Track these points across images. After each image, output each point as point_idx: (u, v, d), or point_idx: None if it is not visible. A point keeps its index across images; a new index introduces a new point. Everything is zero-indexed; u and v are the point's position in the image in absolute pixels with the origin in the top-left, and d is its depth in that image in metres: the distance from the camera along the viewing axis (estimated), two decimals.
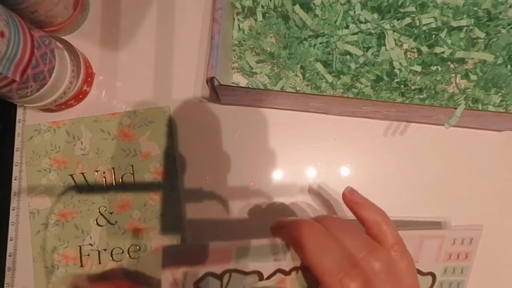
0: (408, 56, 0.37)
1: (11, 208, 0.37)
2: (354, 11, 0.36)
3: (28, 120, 0.38)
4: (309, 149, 0.38)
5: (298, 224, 0.23)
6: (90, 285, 0.35)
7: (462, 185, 0.37)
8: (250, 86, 0.37)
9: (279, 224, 0.25)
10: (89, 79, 0.38)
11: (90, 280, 0.35)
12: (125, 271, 0.36)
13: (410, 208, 0.37)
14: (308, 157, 0.38)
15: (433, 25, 0.35)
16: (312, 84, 0.37)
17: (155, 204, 0.37)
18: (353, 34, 0.36)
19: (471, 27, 0.35)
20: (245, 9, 0.38)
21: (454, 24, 0.35)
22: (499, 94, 0.35)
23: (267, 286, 0.24)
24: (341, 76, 0.36)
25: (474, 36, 0.36)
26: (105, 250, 0.36)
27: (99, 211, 0.37)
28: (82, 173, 0.37)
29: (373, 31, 0.36)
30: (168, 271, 0.24)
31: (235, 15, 0.39)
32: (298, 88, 0.37)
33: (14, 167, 0.38)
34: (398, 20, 0.36)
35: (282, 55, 0.36)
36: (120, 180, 0.37)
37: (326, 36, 0.36)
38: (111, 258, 0.36)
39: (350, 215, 0.26)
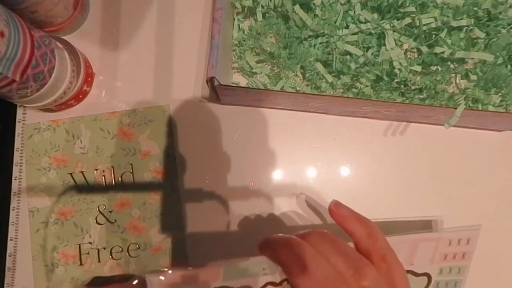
0: (408, 56, 0.37)
1: (11, 208, 0.37)
2: (354, 11, 0.36)
3: (28, 120, 0.38)
4: (309, 149, 0.38)
5: (282, 243, 0.22)
6: None
7: (462, 185, 0.37)
8: (250, 86, 0.37)
9: (265, 242, 0.24)
10: (89, 79, 0.38)
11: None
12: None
13: (410, 208, 0.37)
14: (308, 157, 0.38)
15: (433, 25, 0.35)
16: (312, 84, 0.37)
17: (154, 202, 0.37)
18: (353, 34, 0.36)
19: (471, 27, 0.35)
20: (245, 9, 0.38)
21: (454, 24, 0.35)
22: (499, 94, 0.35)
23: None
24: (341, 76, 0.36)
25: (474, 36, 0.36)
26: (104, 248, 0.36)
27: (99, 210, 0.37)
28: (82, 172, 0.37)
29: (373, 31, 0.36)
30: None
31: (235, 15, 0.39)
32: (298, 88, 0.37)
33: (14, 167, 0.38)
34: (398, 20, 0.36)
35: (282, 55, 0.36)
36: (120, 179, 0.37)
37: (326, 36, 0.36)
38: (110, 256, 0.36)
39: None
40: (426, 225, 0.35)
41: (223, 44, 0.32)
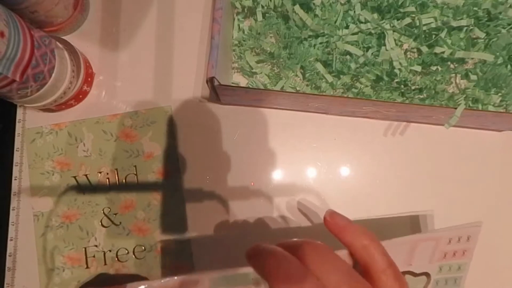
0: (408, 56, 0.37)
1: (11, 208, 0.37)
2: (354, 11, 0.36)
3: (28, 120, 0.38)
4: (309, 149, 0.38)
5: (270, 256, 0.20)
6: None
7: (462, 185, 0.37)
8: (250, 86, 0.37)
9: (254, 251, 0.22)
10: (89, 79, 0.38)
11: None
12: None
13: (410, 208, 0.37)
14: (308, 157, 0.38)
15: (433, 25, 0.35)
16: (312, 84, 0.37)
17: (159, 204, 0.37)
18: (353, 34, 0.36)
19: (471, 27, 0.35)
20: (245, 9, 0.38)
21: (454, 24, 0.35)
22: (499, 94, 0.35)
23: None
24: (341, 76, 0.36)
25: (474, 36, 0.36)
26: (110, 251, 0.36)
27: (103, 212, 0.37)
28: (85, 175, 0.37)
29: (373, 31, 0.36)
30: None
31: (235, 15, 0.39)
32: (298, 88, 0.37)
33: (14, 167, 0.38)
34: (398, 20, 0.36)
35: (282, 55, 0.36)
36: (124, 180, 0.37)
37: (326, 36, 0.36)
38: (116, 259, 0.36)
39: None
40: (415, 220, 0.35)
41: (223, 44, 0.32)
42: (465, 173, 0.38)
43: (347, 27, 0.37)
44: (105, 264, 0.36)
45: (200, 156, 0.38)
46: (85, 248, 0.36)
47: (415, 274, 0.25)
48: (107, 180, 0.37)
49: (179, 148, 0.38)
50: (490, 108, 0.35)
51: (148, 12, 0.40)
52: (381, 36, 0.36)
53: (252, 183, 0.37)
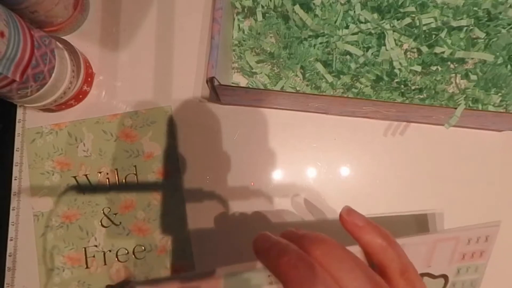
0: (408, 56, 0.37)
1: (11, 208, 0.37)
2: (354, 11, 0.36)
3: (28, 120, 0.38)
4: (309, 149, 0.38)
5: (282, 255, 0.19)
6: None
7: (462, 185, 0.37)
8: (250, 86, 0.37)
9: (261, 245, 0.20)
10: (89, 79, 0.38)
11: None
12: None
13: (410, 208, 0.37)
14: (308, 157, 0.38)
15: (433, 25, 0.35)
16: (312, 84, 0.37)
17: (159, 204, 0.37)
18: (353, 34, 0.36)
19: (471, 27, 0.35)
20: (245, 9, 0.38)
21: (454, 24, 0.35)
22: (499, 94, 0.35)
23: None
24: (341, 76, 0.36)
25: (474, 36, 0.36)
26: (110, 251, 0.36)
27: (103, 212, 0.37)
28: (85, 175, 0.37)
29: (373, 31, 0.36)
30: None
31: (235, 15, 0.39)
32: (298, 88, 0.37)
33: (14, 167, 0.38)
34: (398, 20, 0.36)
35: (282, 55, 0.36)
36: (124, 180, 0.37)
37: (326, 36, 0.36)
38: (116, 259, 0.36)
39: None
40: (423, 219, 0.35)
41: (223, 44, 0.32)
42: (465, 173, 0.38)
43: (347, 27, 0.37)
44: (105, 264, 0.36)
45: (200, 156, 0.38)
46: (85, 248, 0.36)
47: (433, 276, 0.24)
48: (107, 180, 0.37)
49: (179, 148, 0.38)
50: (490, 108, 0.35)
51: (148, 12, 0.40)
52: (381, 36, 0.36)
53: (252, 183, 0.37)
